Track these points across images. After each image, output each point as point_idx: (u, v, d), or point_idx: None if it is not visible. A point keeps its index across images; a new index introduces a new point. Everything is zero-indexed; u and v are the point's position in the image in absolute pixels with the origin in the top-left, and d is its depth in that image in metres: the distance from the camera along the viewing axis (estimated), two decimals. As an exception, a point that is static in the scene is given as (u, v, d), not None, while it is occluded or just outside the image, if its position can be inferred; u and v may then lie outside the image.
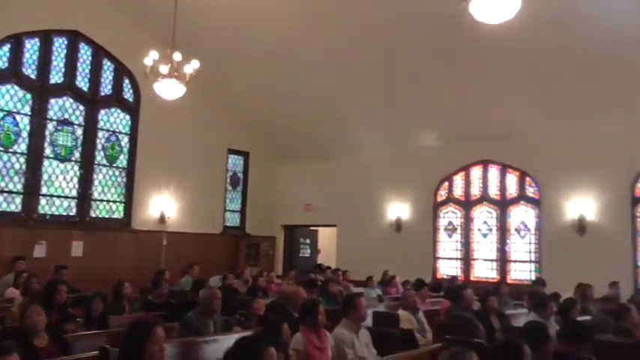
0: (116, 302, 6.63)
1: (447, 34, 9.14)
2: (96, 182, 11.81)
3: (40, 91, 11.02)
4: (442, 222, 12.65)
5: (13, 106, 10.70)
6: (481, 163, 12.14)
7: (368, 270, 10.68)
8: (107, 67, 12.08)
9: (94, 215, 11.74)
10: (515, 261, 11.61)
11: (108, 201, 12.01)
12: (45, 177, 11.04)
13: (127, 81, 12.32)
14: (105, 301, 6.15)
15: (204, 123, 13.12)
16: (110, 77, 12.14)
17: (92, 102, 11.81)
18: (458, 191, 12.51)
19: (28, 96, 10.92)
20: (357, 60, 10.57)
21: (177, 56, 8.08)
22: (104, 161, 11.99)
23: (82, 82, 11.71)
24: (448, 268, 12.43)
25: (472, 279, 11.83)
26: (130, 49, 11.33)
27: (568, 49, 8.78)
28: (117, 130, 12.24)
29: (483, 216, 12.13)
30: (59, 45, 11.37)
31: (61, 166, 11.32)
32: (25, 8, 10.44)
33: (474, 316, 6.31)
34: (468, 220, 12.27)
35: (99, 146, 11.90)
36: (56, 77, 11.29)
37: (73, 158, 11.52)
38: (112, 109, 12.20)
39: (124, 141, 12.35)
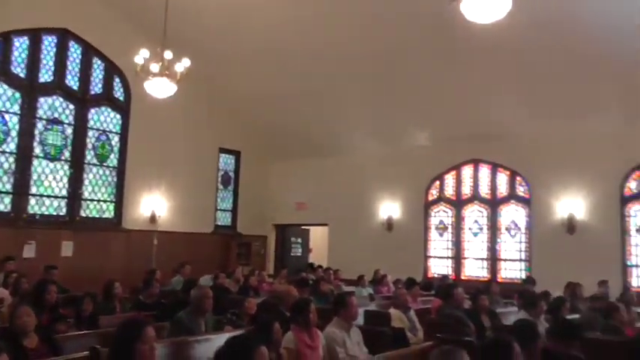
0: (107, 302, 6.60)
1: (439, 34, 9.17)
2: (86, 182, 11.74)
3: (30, 89, 10.94)
4: (433, 221, 12.70)
5: (2, 105, 10.62)
6: (472, 163, 12.20)
7: (359, 269, 10.70)
8: (97, 65, 12.01)
9: (84, 215, 11.67)
10: (505, 260, 11.67)
11: (98, 200, 11.95)
12: (34, 176, 10.97)
13: (117, 80, 12.25)
14: (95, 302, 6.12)
15: (195, 122, 13.08)
16: (100, 76, 12.07)
17: (82, 101, 11.74)
18: (449, 190, 12.56)
19: (17, 95, 10.84)
20: (349, 59, 10.58)
21: (167, 54, 8.05)
22: (94, 160, 11.93)
23: (72, 81, 11.63)
24: (439, 266, 12.48)
25: (463, 278, 11.88)
26: (121, 47, 11.27)
27: (558, 50, 8.83)
28: (107, 129, 12.18)
29: (474, 215, 12.19)
30: (48, 43, 11.30)
31: (51, 165, 11.25)
32: (13, 6, 10.36)
33: (464, 315, 6.34)
34: (458, 219, 12.32)
35: (89, 145, 11.84)
36: (45, 76, 11.22)
37: (63, 157, 11.44)
38: (102, 108, 12.13)
39: (115, 140, 12.28)
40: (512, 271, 11.55)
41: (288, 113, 12.80)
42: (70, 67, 11.59)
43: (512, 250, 11.59)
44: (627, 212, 10.37)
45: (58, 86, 11.36)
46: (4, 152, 10.60)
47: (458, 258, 12.26)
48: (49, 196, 11.16)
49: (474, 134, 11.25)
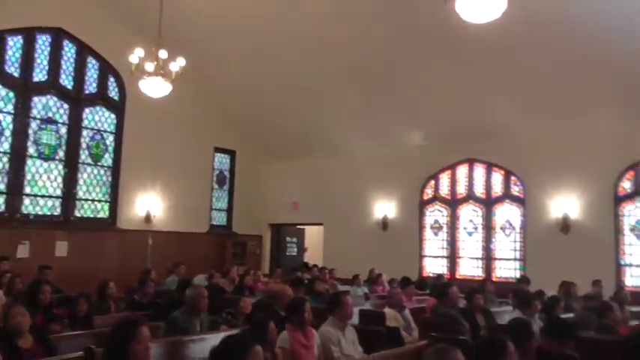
0: (101, 302, 6.59)
1: (435, 34, 9.18)
2: (80, 181, 11.71)
3: (23, 89, 10.90)
4: (428, 220, 12.72)
5: (-5, 104, 10.58)
6: (467, 162, 12.23)
7: (354, 268, 10.72)
8: (92, 65, 11.97)
9: (78, 215, 11.63)
10: (500, 259, 11.70)
11: (93, 200, 11.91)
12: (28, 176, 10.92)
13: (112, 79, 12.22)
14: (90, 302, 6.10)
15: (191, 121, 13.06)
16: (95, 75, 12.03)
17: (76, 100, 11.70)
18: (444, 190, 12.58)
19: (11, 94, 10.79)
20: (345, 59, 10.59)
21: (162, 54, 8.04)
22: (89, 160, 11.89)
23: (66, 81, 11.59)
24: (434, 266, 12.50)
25: (458, 277, 11.91)
26: (115, 46, 11.24)
27: (552, 50, 8.85)
28: (102, 129, 12.15)
29: (469, 214, 12.22)
30: (42, 42, 11.25)
31: (45, 165, 11.21)
32: (7, 5, 10.31)
33: (459, 314, 6.37)
34: (453, 219, 12.35)
35: (83, 145, 11.80)
36: (40, 75, 11.17)
37: (57, 157, 11.41)
38: (97, 108, 12.10)
39: (109, 139, 12.25)
40: (506, 270, 11.58)
41: (284, 113, 12.79)
42: (64, 67, 11.55)
43: (507, 249, 11.61)
44: (621, 212, 10.41)
45: (52, 85, 11.32)
46: (-3, 152, 10.56)
47: (453, 257, 12.29)
48: (43, 196, 11.12)
49: (469, 134, 11.27)
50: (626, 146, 10.02)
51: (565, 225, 10.60)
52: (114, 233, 11.90)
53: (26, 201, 10.88)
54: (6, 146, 10.66)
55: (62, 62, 11.51)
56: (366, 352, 4.85)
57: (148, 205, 12.41)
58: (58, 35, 11.39)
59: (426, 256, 12.65)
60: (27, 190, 10.89)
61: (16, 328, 4.09)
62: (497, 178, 11.87)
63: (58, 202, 11.34)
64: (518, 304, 6.32)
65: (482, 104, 10.57)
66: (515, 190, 11.60)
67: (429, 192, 12.75)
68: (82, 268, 10.44)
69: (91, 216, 11.87)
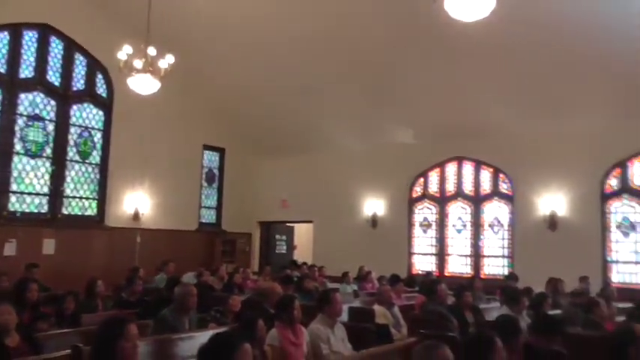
0: (89, 300, 6.56)
1: (424, 32, 9.21)
2: (68, 179, 11.61)
3: (10, 85, 10.78)
4: (417, 218, 12.77)
5: (-19, 100, 10.46)
6: (456, 160, 12.28)
7: (344, 266, 10.73)
8: (79, 61, 11.86)
9: (66, 212, 11.54)
10: (488, 256, 11.78)
11: (80, 198, 11.82)
12: (15, 173, 10.81)
13: (99, 76, 12.12)
14: (77, 300, 6.07)
15: (179, 118, 13.00)
16: (82, 72, 11.92)
17: (64, 97, 11.60)
18: (433, 187, 12.63)
19: (-3, 91, 10.68)
20: (333, 57, 10.59)
21: (151, 51, 7.98)
22: (76, 157, 11.79)
23: (53, 77, 11.48)
24: (423, 263, 12.55)
25: (446, 274, 11.96)
26: (103, 43, 11.16)
27: (541, 49, 8.90)
28: (89, 126, 12.05)
29: (458, 212, 12.28)
30: (29, 39, 11.13)
31: (32, 162, 11.10)
32: (-7, 1, 10.21)
33: (448, 311, 6.40)
34: (442, 216, 12.40)
35: (71, 142, 11.70)
36: (26, 72, 11.05)
37: (44, 154, 11.30)
38: (85, 105, 11.99)
39: (97, 137, 12.16)
40: (495, 267, 11.65)
41: (274, 110, 12.77)
42: (51, 63, 11.43)
43: (495, 246, 11.69)
44: (608, 209, 10.50)
45: (39, 82, 11.20)
46: (-17, 149, 10.45)
47: (441, 254, 12.34)
48: (30, 194, 11.01)
49: (458, 132, 11.32)
50: (612, 144, 10.12)
51: (553, 222, 10.69)
52: (102, 231, 11.83)
53: (13, 198, 10.77)
54: (-8, 143, 10.55)
55: (49, 59, 11.39)
56: (355, 349, 4.86)
57: (137, 202, 12.34)
58: (44, 31, 11.28)
59: (415, 253, 12.70)
60: (14, 187, 10.78)
61: (3, 327, 4.05)
62: (486, 175, 11.94)
63: (45, 200, 11.24)
64: (506, 300, 6.37)
65: (472, 103, 10.62)
66: (504, 187, 11.68)
67: (418, 190, 12.80)
68: (70, 266, 10.37)
69: (79, 214, 11.78)
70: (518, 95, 10.10)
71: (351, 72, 10.87)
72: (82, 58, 11.87)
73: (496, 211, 11.75)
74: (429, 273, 11.39)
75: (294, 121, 12.89)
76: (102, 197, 12.07)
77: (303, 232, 15.30)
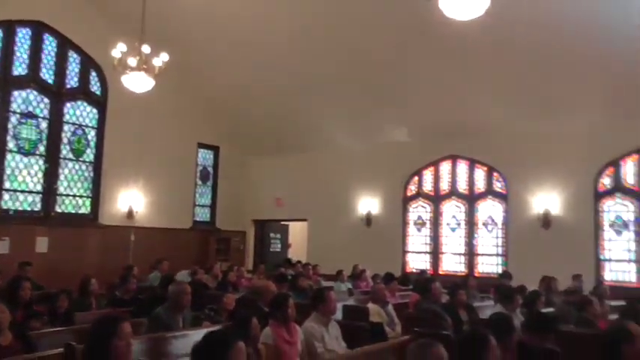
0: (83, 299, 6.53)
1: (418, 31, 9.22)
2: (61, 177, 11.56)
3: (3, 83, 10.72)
4: (412, 216, 12.79)
5: (-26, 98, 10.40)
6: (450, 159, 12.31)
7: (338, 264, 10.73)
8: (73, 59, 11.81)
9: (59, 210, 11.49)
10: (482, 255, 11.81)
11: (74, 196, 11.78)
12: (8, 171, 10.75)
13: (93, 73, 12.07)
14: (70, 298, 6.04)
15: (174, 117, 12.96)
16: (76, 69, 11.87)
17: (57, 95, 11.54)
18: (427, 186, 12.66)
19: (-10, 88, 10.62)
20: (328, 56, 10.58)
21: (145, 49, 7.96)
22: (70, 155, 11.75)
23: (47, 75, 11.42)
24: (417, 261, 12.58)
25: (441, 272, 11.99)
26: (97, 40, 11.12)
27: (535, 48, 8.93)
28: (83, 124, 12.00)
29: (452, 210, 12.30)
30: (22, 36, 11.06)
31: (25, 160, 11.04)
32: (-14, -3, 10.14)
33: (442, 309, 6.41)
34: (437, 215, 12.43)
35: (64, 140, 11.65)
36: (19, 69, 11.00)
37: (38, 152, 11.24)
38: (79, 102, 11.94)
39: (91, 134, 12.11)
40: (489, 265, 11.69)
41: (268, 109, 12.75)
42: (44, 61, 11.37)
43: (489, 245, 11.73)
44: (601, 207, 10.56)
45: (32, 79, 11.14)
46: (-24, 146, 10.39)
47: (436, 253, 12.37)
48: (23, 191, 10.96)
49: (453, 131, 11.34)
50: (605, 143, 10.17)
51: (546, 221, 10.73)
52: (95, 229, 11.79)
53: (6, 196, 10.71)
54: (-15, 141, 10.49)
55: (43, 56, 11.34)
56: (349, 347, 4.87)
57: (131, 200, 12.31)
58: (38, 29, 11.22)
59: (409, 251, 12.72)
60: (7, 185, 10.72)
61: (-4, 325, 4.03)
62: (480, 174, 11.97)
63: (38, 198, 11.19)
64: (500, 298, 6.38)
65: (466, 102, 10.64)
66: (498, 186, 11.71)
67: (412, 188, 12.82)
68: (63, 264, 10.33)
69: (73, 212, 11.74)
70: (513, 95, 10.13)
71: (346, 71, 10.87)
72: (75, 55, 11.82)
73: (490, 209, 11.78)
74: (423, 271, 11.42)
75: (288, 119, 12.87)
76: (96, 195, 12.02)
77: (297, 231, 15.29)
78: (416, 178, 12.77)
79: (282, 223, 15.29)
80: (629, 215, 10.35)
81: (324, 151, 13.52)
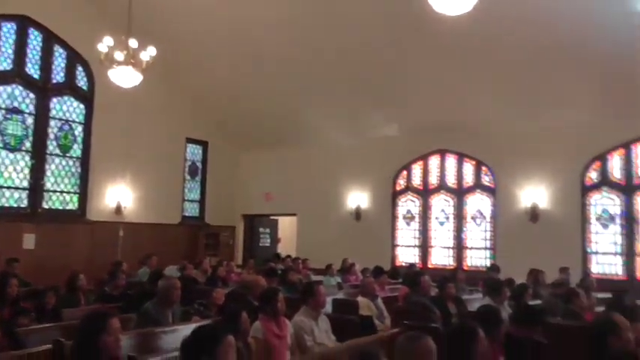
0: (71, 295, 6.49)
1: (407, 26, 9.21)
2: (48, 173, 11.45)
3: (-12, 77, 10.60)
4: (401, 210, 12.83)
5: (-42, 93, 10.26)
6: (439, 153, 12.35)
7: (328, 258, 10.75)
8: (59, 53, 11.67)
9: (46, 207, 11.38)
10: (471, 248, 11.88)
11: (61, 192, 11.67)
12: (-6, 167, 10.65)
13: (80, 68, 11.94)
14: (58, 294, 6.01)
15: (162, 112, 12.88)
16: (62, 64, 11.73)
17: (43, 90, 11.41)
18: (416, 180, 12.69)
19: (-25, 83, 10.48)
20: (317, 50, 10.55)
21: (132, 43, 7.89)
22: (57, 151, 11.63)
23: (32, 70, 11.28)
24: (406, 255, 12.63)
25: (430, 266, 12.06)
26: (83, 34, 10.99)
27: (524, 43, 8.97)
28: (70, 119, 11.88)
29: (441, 204, 12.36)
30: (7, 30, 10.90)
31: (11, 155, 10.92)
32: (-30, -9, 9.99)
33: (431, 302, 6.45)
34: (425, 209, 12.47)
35: (51, 135, 11.53)
36: (4, 64, 10.84)
37: (24, 148, 11.12)
38: (65, 97, 11.81)
39: (78, 130, 11.99)
40: (477, 259, 11.77)
41: (256, 103, 12.69)
42: (30, 55, 11.22)
43: (478, 238, 11.80)
44: (588, 201, 10.66)
45: (17, 74, 10.99)
46: (-39, 142, 10.26)
47: (425, 247, 12.43)
48: (9, 188, 10.85)
49: (441, 125, 11.38)
50: (592, 137, 10.26)
51: (534, 214, 10.81)
52: (84, 225, 11.70)
53: (-9, 193, 10.61)
54: (-30, 136, 10.36)
55: (28, 51, 11.18)
56: (339, 340, 4.89)
57: (119, 196, 12.23)
58: (23, 23, 11.06)
59: (398, 245, 12.77)
60: (-8, 181, 10.62)
61: (-18, 322, 4.00)
62: (469, 168, 12.03)
63: (25, 194, 11.08)
64: (489, 291, 6.43)
65: (455, 97, 10.66)
66: (486, 180, 11.77)
67: (401, 182, 12.86)
68: (51, 260, 10.25)
69: (60, 208, 11.64)
70: (501, 89, 10.17)
71: (335, 67, 10.85)
72: (61, 50, 11.68)
73: (478, 203, 11.85)
74: (412, 265, 11.47)
75: (276, 114, 12.84)
76: (83, 191, 11.92)
77: (287, 225, 15.29)
78: (405, 173, 12.80)
79: (272, 217, 15.28)
80: (615, 209, 10.46)
81: (313, 146, 13.51)
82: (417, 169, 12.71)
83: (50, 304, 5.74)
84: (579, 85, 9.50)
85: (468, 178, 12.02)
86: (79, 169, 11.94)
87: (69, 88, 11.83)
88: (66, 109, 11.82)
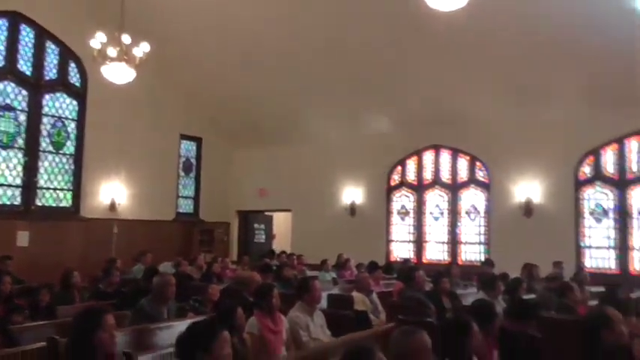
0: (65, 292, 6.47)
1: (401, 21, 9.21)
2: (41, 170, 11.39)
3: (-21, 74, 10.53)
4: (395, 206, 12.85)
5: (-50, 90, 10.18)
6: (433, 148, 12.37)
7: (323, 254, 10.77)
8: (51, 50, 11.60)
9: (40, 204, 11.33)
10: (465, 243, 11.92)
11: (55, 189, 11.62)
12: (-14, 165, 10.59)
13: (72, 65, 11.87)
14: (52, 292, 5.99)
15: (155, 108, 12.83)
16: (55, 61, 11.66)
17: (36, 86, 11.34)
18: (410, 175, 12.71)
19: (-33, 80, 10.41)
20: (311, 46, 10.53)
21: (126, 39, 7.85)
22: (50, 148, 11.57)
23: (25, 66, 11.21)
24: (401, 250, 12.65)
25: (424, 261, 12.10)
26: (76, 31, 10.92)
27: (517, 39, 8.99)
28: (63, 116, 11.82)
29: (435, 199, 12.38)
30: (-1, 26, 10.86)
31: (4, 153, 10.86)
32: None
33: (425, 297, 6.47)
34: (420, 204, 12.50)
35: (44, 132, 11.46)
36: (-4, 60, 10.80)
37: (17, 145, 11.06)
38: (58, 94, 11.74)
39: (71, 127, 11.93)
40: (471, 253, 11.81)
41: (250, 99, 12.67)
42: (22, 52, 11.15)
43: (472, 233, 11.83)
44: (581, 196, 10.71)
45: (9, 71, 10.92)
46: (-47, 139, 10.19)
47: (419, 242, 12.46)
48: (2, 185, 10.79)
49: (435, 120, 11.39)
50: (586, 132, 10.29)
51: (528, 209, 10.85)
52: (77, 222, 11.66)
53: (-16, 190, 10.56)
54: (-38, 134, 10.29)
55: (20, 47, 11.11)
56: (334, 335, 4.90)
57: (113, 193, 12.19)
58: (15, 19, 10.98)
59: (393, 240, 12.79)
60: (-15, 179, 10.56)
61: (-24, 320, 3.99)
62: (463, 163, 12.05)
63: (18, 192, 11.03)
64: (483, 286, 6.46)
65: (449, 91, 10.68)
66: (480, 175, 11.80)
67: (395, 178, 12.87)
68: (45, 258, 10.20)
69: (54, 205, 11.59)
70: (495, 84, 10.19)
71: (329, 63, 10.83)
72: (53, 46, 11.61)
73: (473, 198, 11.88)
74: (406, 260, 11.49)
75: (272, 110, 12.81)
76: (77, 188, 11.88)
77: (281, 221, 15.29)
78: (399, 168, 12.82)
79: (266, 213, 15.26)
80: (608, 203, 10.51)
81: (307, 142, 13.49)
82: (411, 165, 12.72)
83: (44, 302, 5.73)
84: (573, 80, 9.53)
85: (463, 174, 12.04)
86: (72, 166, 11.89)
87: (61, 84, 11.76)
88: (59, 105, 11.76)
